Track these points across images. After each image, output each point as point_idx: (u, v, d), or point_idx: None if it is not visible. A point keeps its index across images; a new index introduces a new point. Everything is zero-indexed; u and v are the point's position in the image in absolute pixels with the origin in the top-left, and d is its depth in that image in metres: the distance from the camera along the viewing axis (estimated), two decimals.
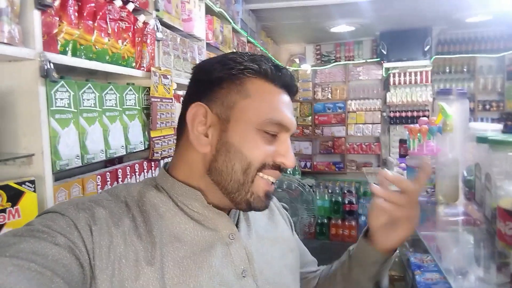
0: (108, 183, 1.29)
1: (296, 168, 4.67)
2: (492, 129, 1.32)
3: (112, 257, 0.56)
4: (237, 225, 0.73)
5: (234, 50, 3.04)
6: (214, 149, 0.67)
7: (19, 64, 0.95)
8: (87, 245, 0.55)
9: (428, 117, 2.85)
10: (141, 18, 1.48)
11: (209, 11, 2.40)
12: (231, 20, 2.87)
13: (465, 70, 5.05)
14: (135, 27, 1.44)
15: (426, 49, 4.83)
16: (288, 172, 4.54)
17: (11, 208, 0.90)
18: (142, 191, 0.67)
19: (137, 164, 1.48)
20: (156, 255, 0.60)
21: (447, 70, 5.08)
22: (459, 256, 1.28)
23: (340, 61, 5.41)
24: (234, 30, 3.03)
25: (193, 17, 2.05)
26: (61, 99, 1.05)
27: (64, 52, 1.06)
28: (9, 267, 0.45)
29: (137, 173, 1.48)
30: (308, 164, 5.61)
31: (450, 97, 1.61)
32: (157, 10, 1.61)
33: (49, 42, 0.99)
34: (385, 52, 4.95)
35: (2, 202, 0.88)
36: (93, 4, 1.16)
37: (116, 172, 1.35)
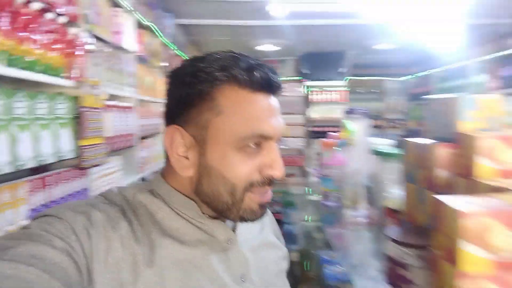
0: (38, 190, 1.30)
1: None
2: (385, 144, 1.59)
3: (110, 261, 0.56)
4: (234, 229, 0.71)
5: (164, 64, 3.10)
6: (197, 172, 0.64)
7: None
8: (85, 249, 0.54)
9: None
10: (72, 30, 1.52)
11: (139, 24, 2.46)
12: (160, 34, 2.94)
13: (375, 91, 5.65)
14: (66, 38, 1.47)
15: (341, 71, 5.32)
16: None
17: None
18: (137, 195, 0.65)
19: (66, 172, 1.50)
20: (155, 258, 0.59)
21: (360, 91, 5.64)
22: (360, 250, 1.50)
23: None
24: (163, 43, 3.10)
25: (122, 30, 2.10)
26: None
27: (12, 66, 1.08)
28: (8, 271, 0.45)
29: (65, 181, 1.49)
30: None
31: (355, 116, 1.88)
32: (87, 23, 1.65)
33: None
34: (306, 72, 5.35)
35: None
36: (26, 17, 1.19)
37: (44, 179, 1.37)
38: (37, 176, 1.36)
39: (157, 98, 2.81)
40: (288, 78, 5.65)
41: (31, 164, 1.26)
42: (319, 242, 2.46)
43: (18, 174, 1.29)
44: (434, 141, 0.93)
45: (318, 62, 5.29)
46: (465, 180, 0.80)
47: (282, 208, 5.49)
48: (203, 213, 0.66)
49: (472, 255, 0.56)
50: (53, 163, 1.42)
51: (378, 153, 1.33)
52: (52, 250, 0.51)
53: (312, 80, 5.35)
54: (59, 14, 1.42)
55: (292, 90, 5.66)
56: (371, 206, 1.53)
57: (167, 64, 3.14)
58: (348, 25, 3.79)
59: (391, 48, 4.73)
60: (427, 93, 4.96)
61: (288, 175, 5.69)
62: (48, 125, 1.35)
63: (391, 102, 5.63)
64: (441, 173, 0.87)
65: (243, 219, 0.65)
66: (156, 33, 2.86)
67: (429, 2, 2.77)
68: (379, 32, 3.87)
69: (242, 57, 0.63)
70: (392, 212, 1.12)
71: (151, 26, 2.70)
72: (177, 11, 3.32)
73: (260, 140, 0.62)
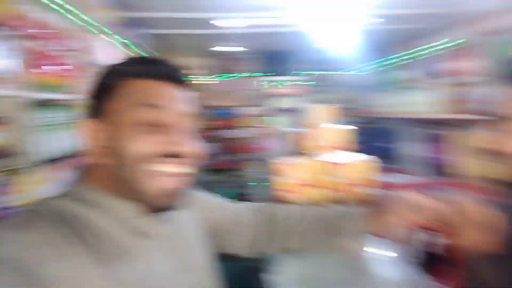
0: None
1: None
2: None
3: (65, 284, 0.55)
4: (166, 220, 0.75)
5: None
6: (106, 158, 0.67)
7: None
8: (31, 278, 0.53)
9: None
10: (75, 60, 2.14)
11: (119, 44, 3.07)
12: (135, 48, 3.55)
13: (328, 84, 6.40)
14: (72, 67, 2.10)
15: (297, 67, 6.02)
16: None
17: None
18: (69, 208, 0.65)
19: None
20: (107, 270, 0.61)
21: (315, 84, 6.37)
22: None
23: (232, 73, 6.37)
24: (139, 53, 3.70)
25: (107, 52, 2.72)
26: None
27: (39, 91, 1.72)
28: None
29: None
30: (211, 163, 6.36)
31: (283, 112, 2.58)
32: (84, 53, 2.28)
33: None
34: (265, 68, 6.04)
35: None
36: (52, 59, 1.82)
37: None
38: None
39: None
40: (248, 74, 6.33)
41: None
42: None
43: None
44: (299, 130, 1.64)
45: (274, 59, 5.98)
46: (305, 150, 1.51)
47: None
48: (142, 212, 0.68)
49: (279, 180, 1.27)
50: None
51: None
52: None
53: (270, 75, 6.05)
54: (67, 50, 2.05)
55: (253, 85, 6.32)
56: None
57: None
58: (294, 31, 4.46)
59: (333, 47, 5.44)
60: (370, 85, 5.74)
61: (246, 160, 6.36)
62: (63, 127, 1.99)
63: (342, 93, 6.39)
64: (299, 148, 1.59)
65: (155, 206, 0.68)
66: (133, 47, 3.46)
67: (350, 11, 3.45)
68: (318, 35, 4.56)
69: (145, 56, 0.73)
70: None
71: (128, 43, 3.31)
72: (149, 23, 3.92)
73: (156, 117, 0.66)
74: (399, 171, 4.88)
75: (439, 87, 3.80)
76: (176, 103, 0.69)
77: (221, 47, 5.41)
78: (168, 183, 0.67)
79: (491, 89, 0.88)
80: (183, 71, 0.74)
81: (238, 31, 4.12)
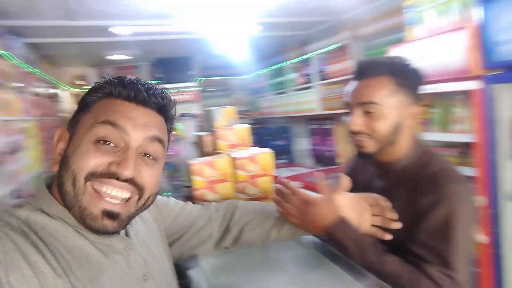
0: None
1: None
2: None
3: None
4: (127, 234, 0.77)
5: (18, 84, 3.37)
6: (58, 167, 0.68)
7: None
8: None
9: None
10: None
11: None
12: (10, 58, 3.21)
13: (223, 88, 6.57)
14: None
15: (192, 73, 6.06)
16: None
17: None
18: (31, 217, 0.64)
19: None
20: (71, 279, 0.61)
21: (211, 89, 6.49)
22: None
23: None
24: (14, 64, 3.35)
25: None
26: None
27: None
28: None
29: None
30: None
31: (186, 118, 2.63)
32: None
33: None
34: (160, 75, 5.94)
35: None
36: None
37: None
38: None
39: (16, 117, 3.11)
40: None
41: None
42: None
43: None
44: (206, 133, 1.72)
45: (170, 66, 5.92)
46: (213, 151, 1.59)
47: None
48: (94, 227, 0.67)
49: (197, 180, 1.34)
50: None
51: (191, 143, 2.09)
52: None
53: (166, 83, 5.96)
54: None
55: None
56: None
57: (22, 84, 3.40)
58: (188, 38, 4.51)
59: (228, 52, 5.65)
60: (263, 88, 6.07)
61: None
62: None
63: (237, 97, 6.63)
64: (207, 149, 1.66)
65: (87, 226, 0.65)
66: (7, 58, 3.12)
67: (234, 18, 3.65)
68: (213, 42, 4.70)
69: (126, 77, 0.73)
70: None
71: (7, 54, 2.98)
72: (25, 32, 3.56)
73: (109, 133, 0.66)
74: (292, 164, 5.31)
75: (324, 86, 4.23)
76: (135, 125, 0.68)
77: (117, 55, 5.16)
78: (103, 206, 0.65)
79: (348, 85, 1.15)
80: (162, 97, 0.73)
81: (133, 38, 4.02)
